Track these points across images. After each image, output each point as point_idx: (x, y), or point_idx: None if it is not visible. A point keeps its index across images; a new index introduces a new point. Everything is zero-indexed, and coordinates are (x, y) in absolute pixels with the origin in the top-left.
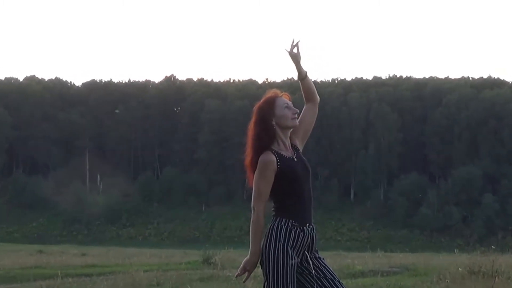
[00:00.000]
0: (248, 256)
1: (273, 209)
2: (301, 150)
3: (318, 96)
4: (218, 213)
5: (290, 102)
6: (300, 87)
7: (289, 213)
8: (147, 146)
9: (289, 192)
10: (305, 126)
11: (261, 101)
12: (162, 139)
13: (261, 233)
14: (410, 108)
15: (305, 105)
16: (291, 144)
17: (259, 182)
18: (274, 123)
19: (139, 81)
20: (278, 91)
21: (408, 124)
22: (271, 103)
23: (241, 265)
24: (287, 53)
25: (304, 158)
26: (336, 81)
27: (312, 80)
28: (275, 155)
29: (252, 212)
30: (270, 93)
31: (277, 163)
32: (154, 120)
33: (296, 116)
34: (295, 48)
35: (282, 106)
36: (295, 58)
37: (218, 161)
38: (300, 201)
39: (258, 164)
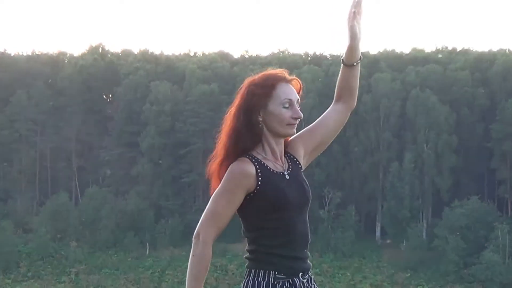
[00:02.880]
0: None
1: (246, 255)
2: (302, 167)
3: (355, 100)
4: (170, 259)
5: (298, 97)
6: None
7: (271, 260)
8: (60, 153)
9: (272, 227)
10: (323, 134)
11: (256, 78)
12: (84, 143)
13: (205, 274)
14: (468, 97)
15: (333, 104)
16: (288, 154)
17: (219, 199)
18: (260, 119)
19: (48, 53)
20: (286, 73)
21: (466, 121)
22: (268, 88)
23: None
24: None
25: (303, 176)
26: None
27: (322, 53)
28: (255, 166)
29: (195, 240)
30: (273, 72)
31: (257, 179)
32: (71, 113)
33: (297, 122)
34: (355, 13)
35: (281, 99)
36: (353, 29)
37: (171, 177)
38: (289, 241)
39: (226, 173)
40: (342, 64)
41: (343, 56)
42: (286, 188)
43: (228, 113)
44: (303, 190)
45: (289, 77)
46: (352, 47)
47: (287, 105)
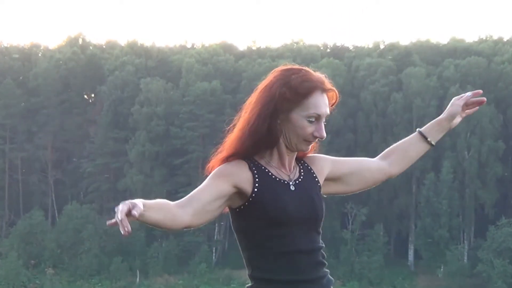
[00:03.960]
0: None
1: (248, 285)
2: (320, 183)
3: (399, 172)
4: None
5: (328, 112)
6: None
7: (270, 285)
8: (33, 164)
9: (269, 246)
10: (351, 170)
11: (294, 79)
12: (62, 152)
13: (165, 209)
14: None
15: (378, 158)
16: (305, 164)
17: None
18: (279, 122)
19: (19, 45)
20: (324, 78)
21: None
22: (301, 96)
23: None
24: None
25: (316, 191)
26: (381, 46)
27: (343, 44)
28: (252, 170)
29: None
30: (312, 76)
31: (254, 185)
32: (46, 117)
33: (315, 140)
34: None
35: (309, 111)
36: (457, 110)
37: (165, 192)
38: (291, 264)
39: (214, 171)
40: (417, 132)
41: (426, 127)
42: (287, 199)
43: (249, 105)
44: (311, 204)
45: (328, 86)
46: (444, 126)
47: (312, 119)
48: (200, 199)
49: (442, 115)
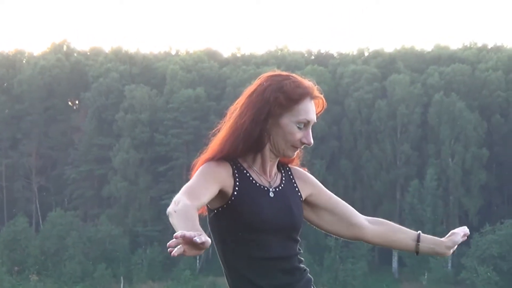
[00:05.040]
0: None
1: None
2: (302, 196)
3: (367, 240)
4: None
5: (315, 117)
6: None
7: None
8: (17, 170)
9: (244, 250)
10: (331, 214)
11: (288, 84)
12: (46, 159)
13: (192, 216)
14: (501, 103)
15: (364, 217)
16: (288, 172)
17: (192, 179)
18: (268, 127)
19: (3, 52)
20: (313, 85)
21: (499, 131)
22: (293, 101)
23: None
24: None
25: (297, 201)
26: (365, 53)
27: (328, 51)
28: (234, 173)
29: (171, 207)
30: (304, 82)
31: (234, 188)
32: (31, 123)
33: (301, 147)
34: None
35: (300, 117)
36: (458, 240)
37: (149, 199)
38: (265, 269)
39: (203, 168)
40: (417, 232)
41: (427, 236)
42: (265, 205)
43: (237, 109)
44: (288, 213)
45: (317, 94)
46: (439, 248)
47: (302, 125)
48: (204, 196)
49: (444, 238)
